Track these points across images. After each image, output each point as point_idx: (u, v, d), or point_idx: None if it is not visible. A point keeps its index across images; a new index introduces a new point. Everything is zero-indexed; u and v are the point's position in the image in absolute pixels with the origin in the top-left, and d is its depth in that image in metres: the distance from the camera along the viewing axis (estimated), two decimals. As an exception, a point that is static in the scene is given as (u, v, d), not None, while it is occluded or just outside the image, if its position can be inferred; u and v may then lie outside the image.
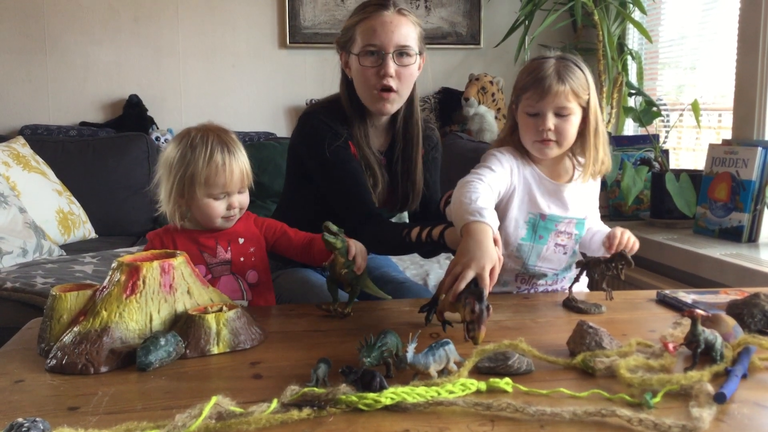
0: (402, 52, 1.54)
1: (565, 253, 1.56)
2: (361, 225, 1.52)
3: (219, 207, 1.39)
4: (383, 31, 1.52)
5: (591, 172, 1.52)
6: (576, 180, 1.54)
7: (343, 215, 1.57)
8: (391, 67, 1.53)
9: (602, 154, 1.51)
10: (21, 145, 2.97)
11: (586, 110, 1.48)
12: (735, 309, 1.23)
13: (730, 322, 1.12)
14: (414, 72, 1.58)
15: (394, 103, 1.58)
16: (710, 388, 0.89)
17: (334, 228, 1.30)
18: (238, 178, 1.39)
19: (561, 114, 1.45)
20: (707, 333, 1.00)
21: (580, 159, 1.54)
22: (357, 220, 1.53)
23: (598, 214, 1.67)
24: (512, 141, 1.54)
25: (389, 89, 1.55)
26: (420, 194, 1.69)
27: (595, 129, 1.49)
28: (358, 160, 1.60)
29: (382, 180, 1.64)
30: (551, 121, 1.44)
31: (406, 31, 1.54)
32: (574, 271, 1.57)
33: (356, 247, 1.33)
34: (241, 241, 1.44)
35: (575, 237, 1.57)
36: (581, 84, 1.45)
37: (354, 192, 1.56)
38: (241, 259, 1.43)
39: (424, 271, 2.43)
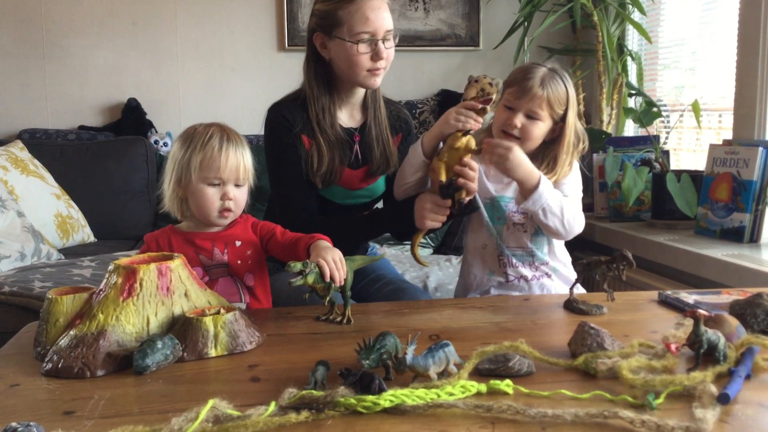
0: (389, 37, 1.62)
1: (525, 231, 1.62)
2: (305, 228, 1.46)
3: (213, 195, 1.39)
4: (376, 18, 1.59)
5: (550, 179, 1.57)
6: None
7: (287, 217, 1.64)
8: (384, 51, 1.61)
9: (566, 169, 1.60)
10: (19, 149, 2.97)
11: (560, 124, 1.57)
12: (738, 309, 1.22)
13: (733, 322, 1.11)
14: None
15: (381, 77, 1.66)
16: (713, 389, 0.88)
17: (296, 267, 1.18)
18: (233, 165, 1.40)
19: (531, 117, 1.56)
20: (710, 333, 0.99)
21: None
22: (300, 225, 1.50)
23: (576, 201, 1.61)
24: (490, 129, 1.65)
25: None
26: (395, 153, 1.74)
27: (568, 143, 1.58)
28: (318, 144, 1.64)
29: (346, 158, 1.69)
30: (520, 120, 1.55)
31: (389, 14, 1.63)
32: (558, 264, 1.64)
33: (328, 264, 1.24)
34: (237, 243, 1.43)
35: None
36: (558, 97, 1.56)
37: (296, 197, 1.65)
38: (239, 261, 1.42)
39: (424, 273, 2.42)
